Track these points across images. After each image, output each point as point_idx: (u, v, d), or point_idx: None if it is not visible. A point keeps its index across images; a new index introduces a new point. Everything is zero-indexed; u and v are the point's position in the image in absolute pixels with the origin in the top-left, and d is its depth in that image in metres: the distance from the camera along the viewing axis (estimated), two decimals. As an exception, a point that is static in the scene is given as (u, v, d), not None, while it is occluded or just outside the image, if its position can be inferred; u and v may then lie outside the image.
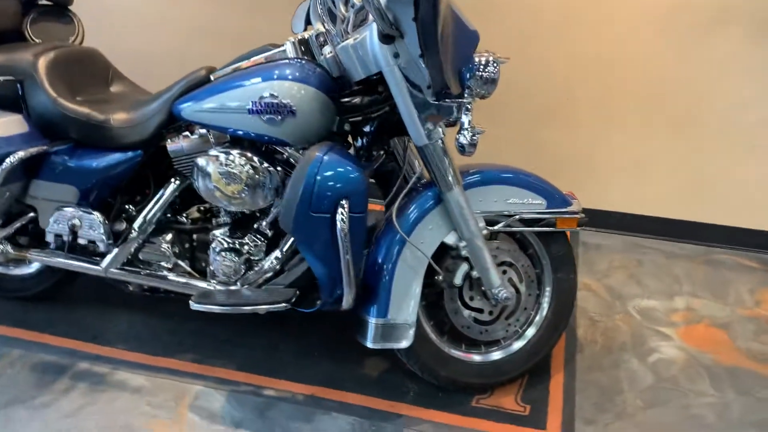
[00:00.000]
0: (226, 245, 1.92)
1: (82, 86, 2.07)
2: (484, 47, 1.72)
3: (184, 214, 2.06)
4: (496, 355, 1.97)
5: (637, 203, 2.91)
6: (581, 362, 2.15)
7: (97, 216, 1.99)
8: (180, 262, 2.02)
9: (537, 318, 2.00)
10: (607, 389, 2.03)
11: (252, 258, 1.92)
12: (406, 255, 1.80)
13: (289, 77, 1.75)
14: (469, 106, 1.67)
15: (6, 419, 1.86)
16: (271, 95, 1.73)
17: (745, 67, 2.61)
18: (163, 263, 2.02)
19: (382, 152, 1.99)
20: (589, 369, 2.11)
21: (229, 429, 1.86)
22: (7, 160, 1.92)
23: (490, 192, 1.85)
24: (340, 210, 1.64)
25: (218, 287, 1.94)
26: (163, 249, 2.00)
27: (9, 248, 2.11)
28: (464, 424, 1.88)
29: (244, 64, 1.87)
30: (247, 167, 1.81)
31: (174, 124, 1.93)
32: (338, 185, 1.64)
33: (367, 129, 1.88)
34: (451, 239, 1.83)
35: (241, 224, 1.97)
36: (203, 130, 1.91)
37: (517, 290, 1.94)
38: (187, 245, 2.04)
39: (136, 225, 2.00)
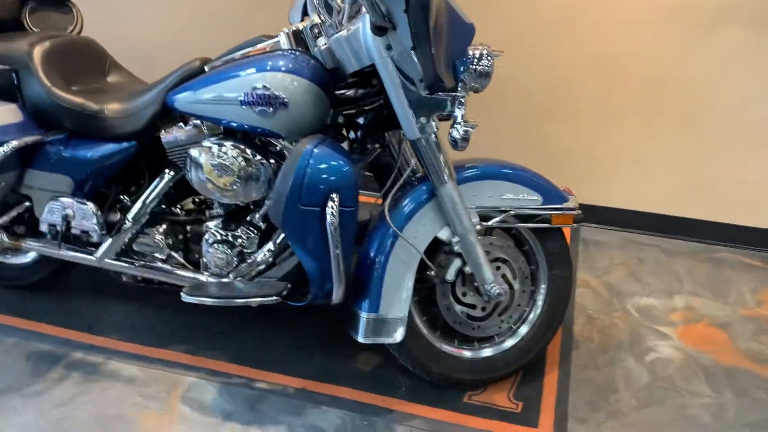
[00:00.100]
0: (218, 237, 1.91)
1: (77, 76, 2.07)
2: (484, 43, 1.69)
3: (179, 206, 2.06)
4: (489, 351, 1.96)
5: (639, 200, 2.88)
6: (576, 360, 2.12)
7: (90, 206, 1.99)
8: (173, 254, 2.01)
9: (531, 315, 1.98)
10: (602, 388, 2.01)
11: (244, 250, 1.92)
12: (398, 250, 1.78)
13: (282, 69, 1.73)
14: (463, 100, 1.65)
15: (0, 407, 1.87)
16: (264, 87, 1.72)
17: (745, 66, 2.57)
18: (156, 254, 2.02)
19: (377, 145, 1.97)
20: (585, 367, 2.09)
21: (219, 421, 1.86)
22: (1, 149, 1.92)
23: (484, 187, 1.83)
24: (330, 203, 1.63)
25: (211, 279, 1.94)
26: (156, 240, 2.00)
27: (4, 237, 2.11)
28: (455, 420, 1.87)
29: (238, 55, 1.86)
30: (240, 159, 1.80)
31: (168, 114, 1.93)
32: (328, 179, 1.63)
33: (361, 122, 1.87)
34: (444, 234, 1.81)
35: (234, 216, 1.96)
36: (197, 122, 1.90)
37: (511, 287, 1.92)
38: (180, 237, 2.04)
39: (130, 215, 2.00)
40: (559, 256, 1.96)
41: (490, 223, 1.84)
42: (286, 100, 1.71)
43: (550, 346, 2.15)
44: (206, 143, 1.85)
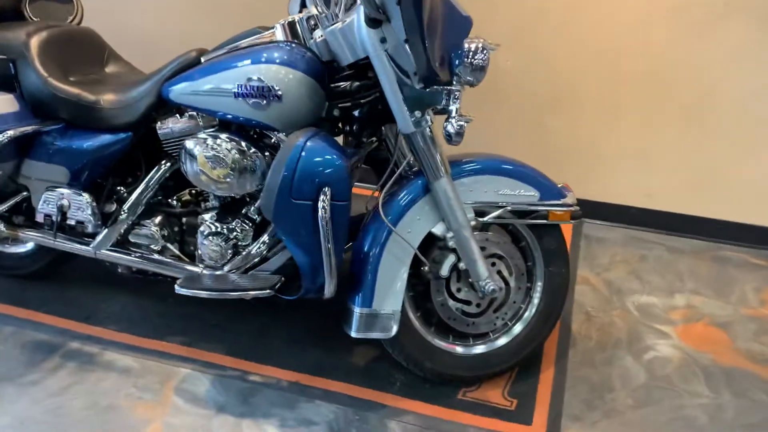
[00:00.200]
0: (213, 230, 1.91)
1: (75, 66, 2.06)
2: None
3: (175, 197, 2.05)
4: (484, 347, 1.94)
5: (642, 196, 2.83)
6: (573, 358, 2.10)
7: (85, 197, 1.99)
8: (169, 245, 2.01)
9: (527, 312, 1.96)
10: (598, 386, 1.99)
11: (239, 243, 1.91)
12: (392, 245, 1.77)
13: (277, 61, 1.72)
14: (458, 94, 1.62)
15: (-5, 396, 1.89)
16: (258, 79, 1.70)
17: (754, 58, 2.51)
18: (152, 246, 2.01)
19: (373, 139, 1.96)
20: (581, 365, 2.07)
21: (212, 413, 1.86)
22: (-2, 139, 1.92)
23: (480, 182, 1.81)
24: (321, 197, 1.61)
25: (205, 271, 1.93)
26: (152, 231, 2.00)
27: (2, 227, 2.12)
28: (448, 416, 1.86)
29: (234, 46, 1.84)
30: (234, 152, 1.79)
31: (164, 106, 1.92)
32: (320, 172, 1.62)
33: (356, 115, 1.85)
34: (438, 230, 1.80)
35: (229, 209, 1.96)
36: (192, 113, 1.89)
37: (507, 283, 1.90)
38: (176, 228, 2.03)
39: (125, 206, 2.00)
40: (556, 252, 1.94)
41: (485, 218, 1.82)
42: (280, 92, 1.70)
43: (547, 343, 2.13)
44: (201, 135, 1.84)
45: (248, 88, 1.71)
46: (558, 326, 2.22)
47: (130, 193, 2.02)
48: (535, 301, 1.95)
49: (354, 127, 1.87)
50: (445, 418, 1.85)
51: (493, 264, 1.87)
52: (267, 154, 1.83)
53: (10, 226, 2.15)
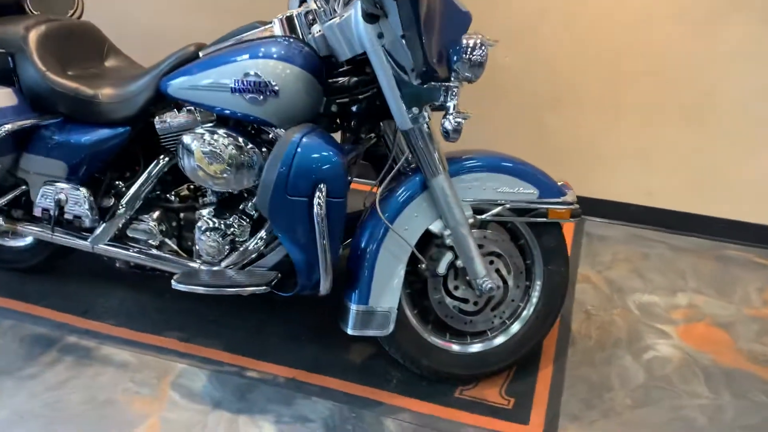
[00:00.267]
0: (210, 225, 1.90)
1: (74, 60, 2.06)
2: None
3: (173, 192, 2.05)
4: (481, 346, 1.93)
5: (645, 194, 2.81)
6: (572, 357, 2.09)
7: (83, 192, 1.99)
8: (167, 241, 2.01)
9: (525, 311, 1.95)
10: (597, 386, 1.97)
11: (236, 239, 1.91)
12: (388, 242, 1.75)
13: (274, 56, 1.70)
14: (456, 90, 1.61)
15: (-7, 389, 1.90)
16: (255, 74, 1.69)
17: (756, 57, 2.48)
18: (149, 241, 2.01)
19: (372, 135, 1.95)
20: (580, 364, 2.06)
21: (208, 409, 1.86)
22: (-3, 132, 1.92)
23: (479, 180, 1.79)
24: (317, 194, 1.60)
25: (203, 267, 1.93)
26: (150, 226, 1.99)
27: (0, 220, 2.12)
28: (444, 414, 1.85)
29: (232, 41, 1.83)
30: (231, 147, 1.78)
31: (162, 100, 1.91)
32: (316, 169, 1.61)
33: (355, 111, 1.83)
34: (436, 227, 1.78)
35: (227, 204, 1.95)
36: (190, 108, 1.88)
37: (505, 281, 1.88)
38: (174, 224, 2.03)
39: (123, 201, 1.99)
40: (556, 251, 1.92)
41: (483, 216, 1.80)
42: (276, 87, 1.69)
43: (545, 342, 2.11)
44: (198, 130, 1.83)
45: (245, 83, 1.70)
46: (557, 325, 2.21)
47: (128, 188, 2.01)
48: (534, 299, 1.94)
49: (352, 123, 1.86)
50: (441, 416, 1.85)
51: (491, 262, 1.86)
52: (264, 149, 1.82)
53: (9, 219, 2.15)
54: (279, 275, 1.82)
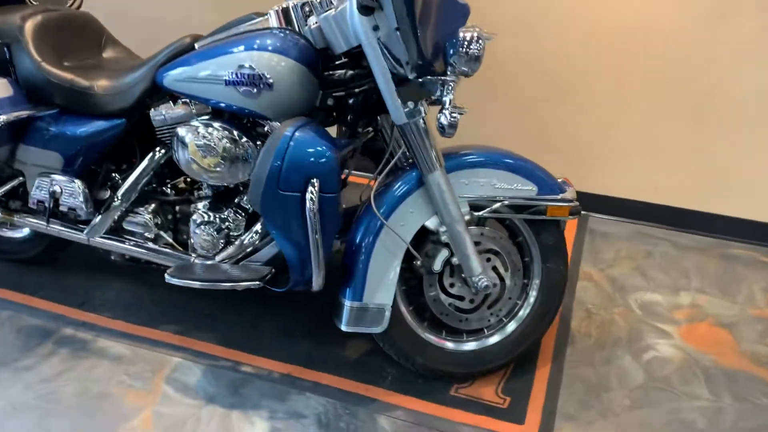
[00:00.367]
0: (205, 219, 1.89)
1: (71, 51, 2.04)
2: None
3: (169, 185, 2.03)
4: (477, 344, 1.90)
5: (650, 191, 2.76)
6: (571, 356, 2.06)
7: (78, 184, 1.98)
8: (162, 234, 2.00)
9: (523, 309, 1.92)
10: (595, 386, 1.94)
11: (231, 233, 1.89)
12: (383, 238, 1.73)
13: (269, 48, 1.68)
14: (452, 85, 1.58)
15: (-13, 380, 1.90)
16: (249, 66, 1.67)
17: (764, 54, 2.42)
18: (145, 234, 2.00)
19: (369, 129, 1.92)
20: (578, 363, 2.03)
21: (201, 403, 1.85)
22: (-9, 123, 1.91)
23: (476, 175, 1.76)
24: (309, 189, 1.58)
25: (197, 261, 1.92)
26: (145, 219, 1.98)
27: (-2, 211, 2.13)
28: (439, 413, 1.83)
29: (228, 33, 1.81)
30: (225, 140, 1.77)
31: (158, 92, 1.89)
32: (308, 163, 1.58)
33: (351, 104, 1.81)
34: (432, 223, 1.76)
35: (222, 198, 1.93)
36: (186, 100, 1.86)
37: (502, 279, 1.86)
38: (169, 216, 2.02)
39: (119, 193, 1.98)
40: (555, 248, 1.89)
41: (481, 213, 1.77)
42: (271, 80, 1.66)
43: (544, 340, 2.09)
44: (193, 123, 1.81)
45: (239, 75, 1.68)
46: (557, 323, 2.18)
47: (124, 180, 2.00)
48: (532, 298, 1.91)
49: (348, 117, 1.83)
50: (435, 414, 1.83)
51: (488, 259, 1.83)
52: (259, 143, 1.80)
53: (6, 211, 2.15)
54: (273, 270, 1.80)
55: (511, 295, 1.90)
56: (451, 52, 1.56)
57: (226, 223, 1.88)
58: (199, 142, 1.77)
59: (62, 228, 2.05)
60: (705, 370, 2.02)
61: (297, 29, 1.74)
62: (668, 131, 2.65)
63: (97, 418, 1.80)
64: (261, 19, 1.78)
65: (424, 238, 1.80)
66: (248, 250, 1.88)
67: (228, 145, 1.77)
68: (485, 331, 1.92)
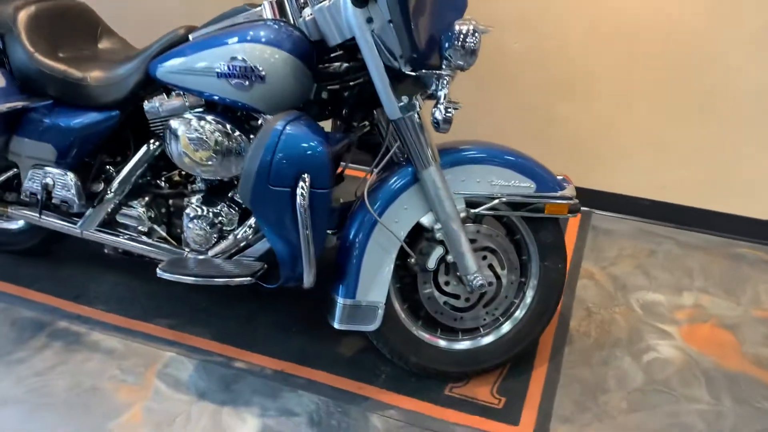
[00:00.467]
0: (198, 213, 1.86)
1: (65, 42, 2.02)
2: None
3: (163, 178, 2.01)
4: (472, 343, 1.87)
5: (655, 188, 2.70)
6: (569, 356, 2.02)
7: (70, 176, 1.96)
8: (156, 227, 1.98)
9: (520, 307, 1.89)
10: (592, 387, 1.91)
11: (224, 228, 1.87)
12: (377, 234, 1.70)
13: (262, 40, 1.65)
14: (447, 79, 1.54)
15: (-21, 373, 1.89)
16: (241, 59, 1.64)
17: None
18: (138, 227, 1.98)
19: (366, 123, 1.88)
20: (576, 364, 1.99)
21: (192, 399, 1.84)
22: (-16, 114, 1.90)
23: (473, 172, 1.73)
24: (300, 184, 1.55)
25: (189, 255, 1.89)
26: (139, 212, 1.97)
27: (-9, 203, 2.11)
28: (432, 412, 1.81)
29: (221, 24, 1.78)
30: (217, 134, 1.74)
31: (152, 84, 1.86)
32: (299, 158, 1.55)
33: (346, 98, 1.77)
34: (426, 220, 1.73)
35: (216, 192, 1.91)
36: (179, 92, 1.84)
37: (498, 278, 1.82)
38: (163, 210, 2.00)
39: (112, 186, 1.96)
40: (553, 247, 1.85)
41: (477, 210, 1.74)
42: (263, 73, 1.63)
43: (542, 340, 2.05)
44: (186, 115, 1.79)
45: (231, 68, 1.65)
46: (555, 322, 2.14)
47: (118, 173, 1.98)
48: (529, 297, 1.87)
49: (343, 111, 1.80)
50: (428, 414, 1.80)
51: (484, 257, 1.80)
52: (252, 137, 1.77)
53: (1, 202, 2.13)
54: (265, 266, 1.78)
55: (508, 294, 1.86)
56: (447, 45, 1.52)
57: (219, 218, 1.86)
58: (191, 135, 1.75)
59: (55, 220, 2.04)
60: (706, 373, 1.98)
61: (291, 21, 1.71)
62: (673, 128, 2.59)
63: (87, 413, 1.78)
64: (255, 10, 1.75)
65: (418, 235, 1.77)
66: (241, 245, 1.86)
67: (220, 138, 1.74)
68: (481, 330, 1.88)
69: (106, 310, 2.16)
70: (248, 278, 1.74)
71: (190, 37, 1.82)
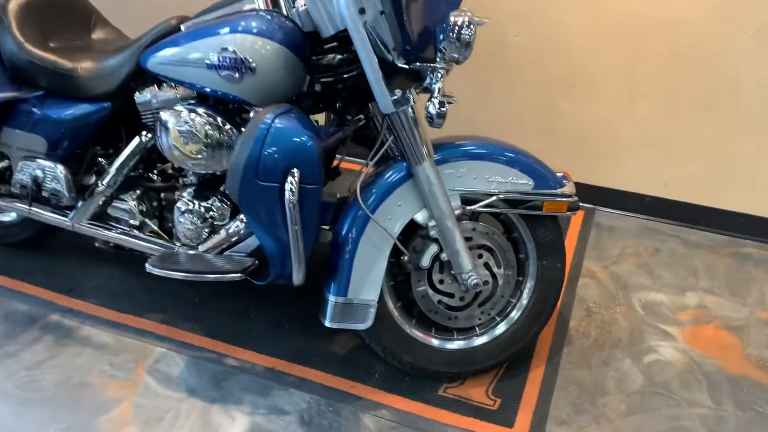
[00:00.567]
0: (189, 207, 1.83)
1: (57, 32, 1.99)
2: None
3: (156, 172, 1.98)
4: (467, 343, 1.83)
5: (659, 184, 2.65)
6: (567, 357, 1.98)
7: (60, 169, 1.93)
8: (147, 221, 1.95)
9: (516, 307, 1.84)
10: (590, 389, 1.86)
11: (215, 222, 1.83)
12: (370, 231, 1.66)
13: (253, 31, 1.60)
14: (441, 72, 1.49)
15: (-31, 367, 1.88)
16: (231, 50, 1.60)
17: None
18: (130, 221, 1.95)
19: (361, 117, 1.84)
20: (575, 365, 1.95)
21: (182, 396, 1.81)
22: (-27, 105, 1.87)
23: (470, 168, 1.68)
24: (289, 179, 1.51)
25: (180, 250, 1.86)
26: (130, 206, 1.93)
27: (-18, 194, 2.09)
28: (425, 413, 1.77)
29: (213, 15, 1.74)
30: (207, 127, 1.70)
31: (143, 75, 1.83)
32: (288, 153, 1.51)
33: (340, 91, 1.73)
34: (421, 217, 1.68)
35: (207, 186, 1.88)
36: (171, 84, 1.80)
37: (494, 277, 1.78)
38: (155, 204, 1.97)
39: (103, 179, 1.93)
40: (551, 245, 1.80)
41: (473, 207, 1.69)
42: (253, 64, 1.59)
43: (540, 340, 2.01)
44: (177, 107, 1.75)
45: (221, 59, 1.61)
46: (554, 322, 2.10)
47: (109, 165, 1.95)
48: (525, 296, 1.83)
49: (337, 104, 1.76)
50: (421, 414, 1.76)
51: (480, 256, 1.75)
52: (244, 130, 1.73)
53: (-7, 194, 2.11)
54: (256, 262, 1.74)
55: (504, 293, 1.82)
56: (441, 37, 1.47)
57: (211, 212, 1.83)
58: (181, 128, 1.71)
59: (46, 213, 2.01)
60: (708, 376, 1.93)
61: (284, 11, 1.67)
62: (680, 123, 2.52)
63: (76, 409, 1.76)
64: (247, 0, 1.71)
65: (413, 232, 1.73)
66: (233, 240, 1.82)
67: (211, 131, 1.70)
68: (476, 329, 1.84)
69: (99, 304, 2.14)
70: (238, 274, 1.71)
71: (182, 27, 1.78)
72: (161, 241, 1.92)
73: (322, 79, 1.71)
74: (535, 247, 1.80)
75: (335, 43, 1.68)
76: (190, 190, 1.86)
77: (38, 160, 1.95)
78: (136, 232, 1.95)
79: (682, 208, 2.63)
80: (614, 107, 2.58)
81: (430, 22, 1.48)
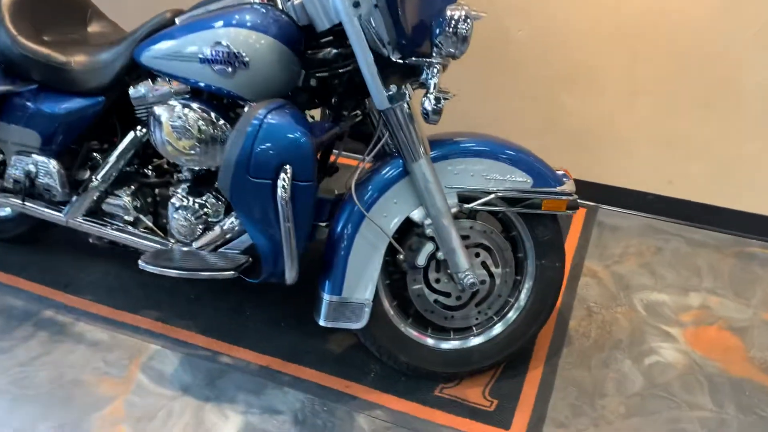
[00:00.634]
0: (183, 203, 1.81)
1: (52, 25, 1.96)
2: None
3: (150, 167, 1.96)
4: (464, 343, 1.80)
5: (663, 183, 2.60)
6: (566, 357, 1.95)
7: (53, 163, 1.91)
8: (141, 217, 1.93)
9: (514, 307, 1.81)
10: (589, 391, 1.83)
11: (209, 219, 1.81)
12: (364, 229, 1.63)
13: (247, 25, 1.58)
14: (438, 67, 1.46)
15: (-38, 363, 1.86)
16: (224, 44, 1.57)
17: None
18: (124, 217, 1.93)
19: (357, 112, 1.81)
20: (574, 366, 1.92)
21: (175, 394, 1.80)
22: (-34, 99, 1.85)
23: (467, 165, 1.65)
24: (281, 176, 1.48)
25: (174, 247, 1.84)
26: (124, 202, 1.91)
27: (-23, 190, 2.07)
28: (420, 413, 1.75)
29: (207, 8, 1.71)
30: (200, 122, 1.68)
31: (137, 69, 1.81)
32: (280, 149, 1.48)
33: (335, 86, 1.70)
34: (417, 215, 1.65)
35: (202, 182, 1.85)
36: (165, 78, 1.77)
37: (492, 276, 1.75)
38: (149, 200, 1.95)
39: (97, 174, 1.91)
40: (551, 244, 1.77)
41: (470, 205, 1.66)
42: (247, 59, 1.56)
43: (539, 340, 1.98)
44: (171, 102, 1.73)
45: (214, 53, 1.58)
46: (554, 322, 2.06)
47: (104, 161, 1.93)
48: (523, 296, 1.80)
49: (333, 99, 1.73)
50: (416, 414, 1.74)
51: (477, 255, 1.72)
52: (238, 125, 1.71)
53: (-13, 189, 2.10)
54: (250, 260, 1.72)
55: (502, 293, 1.79)
56: (438, 31, 1.44)
57: (205, 209, 1.80)
58: (174, 123, 1.69)
59: (40, 208, 1.99)
60: (709, 378, 1.89)
61: (279, 5, 1.64)
62: (684, 120, 2.48)
63: (68, 406, 1.75)
64: (241, -7, 1.68)
65: (408, 230, 1.70)
66: (227, 236, 1.79)
67: (204, 126, 1.68)
68: (473, 329, 1.81)
69: (94, 300, 2.12)
70: (232, 272, 1.69)
71: (177, 20, 1.75)
72: (155, 238, 1.90)
73: (317, 74, 1.68)
74: (534, 246, 1.77)
75: (331, 38, 1.65)
76: (184, 186, 1.84)
77: (32, 155, 1.93)
78: (130, 228, 1.93)
79: (686, 207, 2.59)
80: (616, 104, 2.53)
81: (426, 15, 1.45)
